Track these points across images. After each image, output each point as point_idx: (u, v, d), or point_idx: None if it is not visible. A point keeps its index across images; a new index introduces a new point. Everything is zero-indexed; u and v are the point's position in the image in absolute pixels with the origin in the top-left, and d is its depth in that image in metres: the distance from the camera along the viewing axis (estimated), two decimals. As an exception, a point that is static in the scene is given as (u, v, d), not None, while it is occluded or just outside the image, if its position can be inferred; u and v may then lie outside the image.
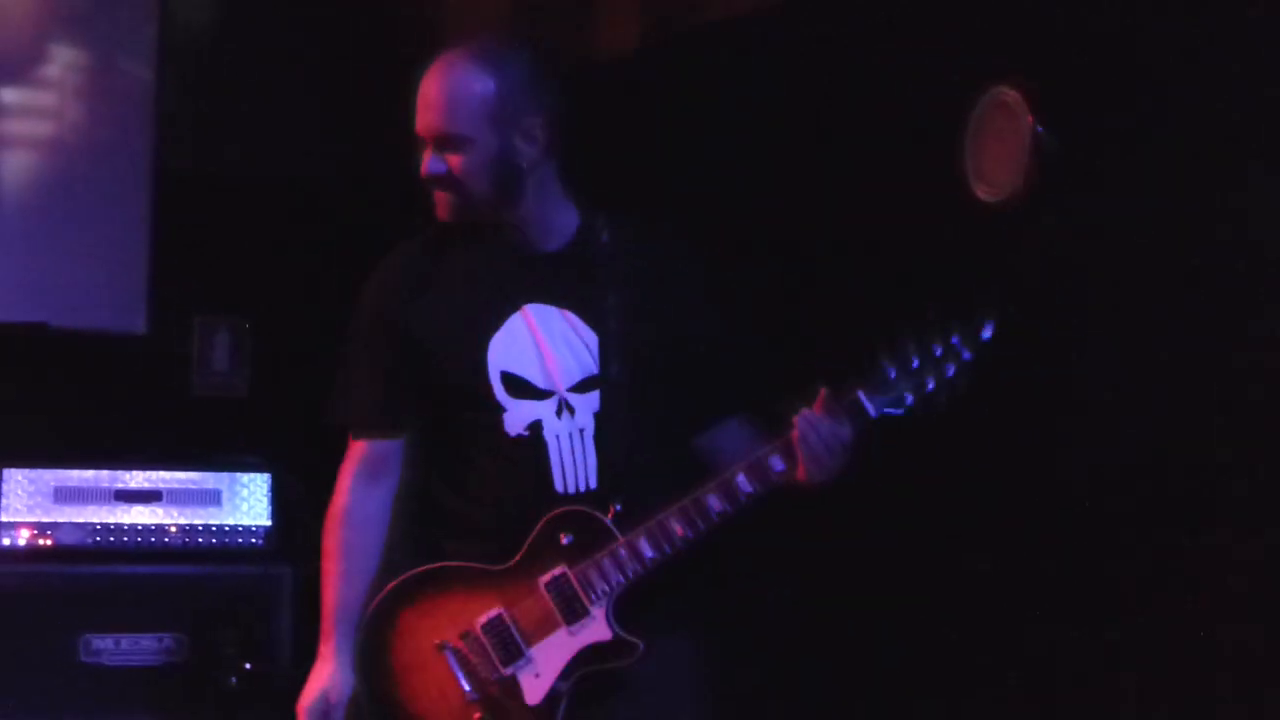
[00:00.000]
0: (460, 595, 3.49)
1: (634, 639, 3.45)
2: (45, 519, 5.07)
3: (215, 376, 5.84)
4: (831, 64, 4.33)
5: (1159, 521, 3.52)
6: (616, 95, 4.86)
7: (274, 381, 5.82)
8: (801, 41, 4.41)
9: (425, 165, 3.49)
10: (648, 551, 3.42)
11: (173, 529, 5.15)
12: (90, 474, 5.13)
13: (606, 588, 3.44)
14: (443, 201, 3.51)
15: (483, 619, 3.46)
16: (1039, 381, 3.71)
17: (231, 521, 5.21)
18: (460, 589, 3.50)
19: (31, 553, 5.04)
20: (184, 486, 5.19)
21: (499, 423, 3.51)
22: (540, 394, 3.51)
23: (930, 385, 3.35)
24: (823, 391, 3.38)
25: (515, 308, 3.53)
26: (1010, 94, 3.75)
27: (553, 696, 3.45)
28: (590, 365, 3.52)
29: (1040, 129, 3.69)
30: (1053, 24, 3.71)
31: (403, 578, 3.55)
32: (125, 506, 5.14)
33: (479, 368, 3.51)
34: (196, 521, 5.18)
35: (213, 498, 5.20)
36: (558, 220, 3.57)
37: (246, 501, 5.24)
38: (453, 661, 3.46)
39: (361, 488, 3.64)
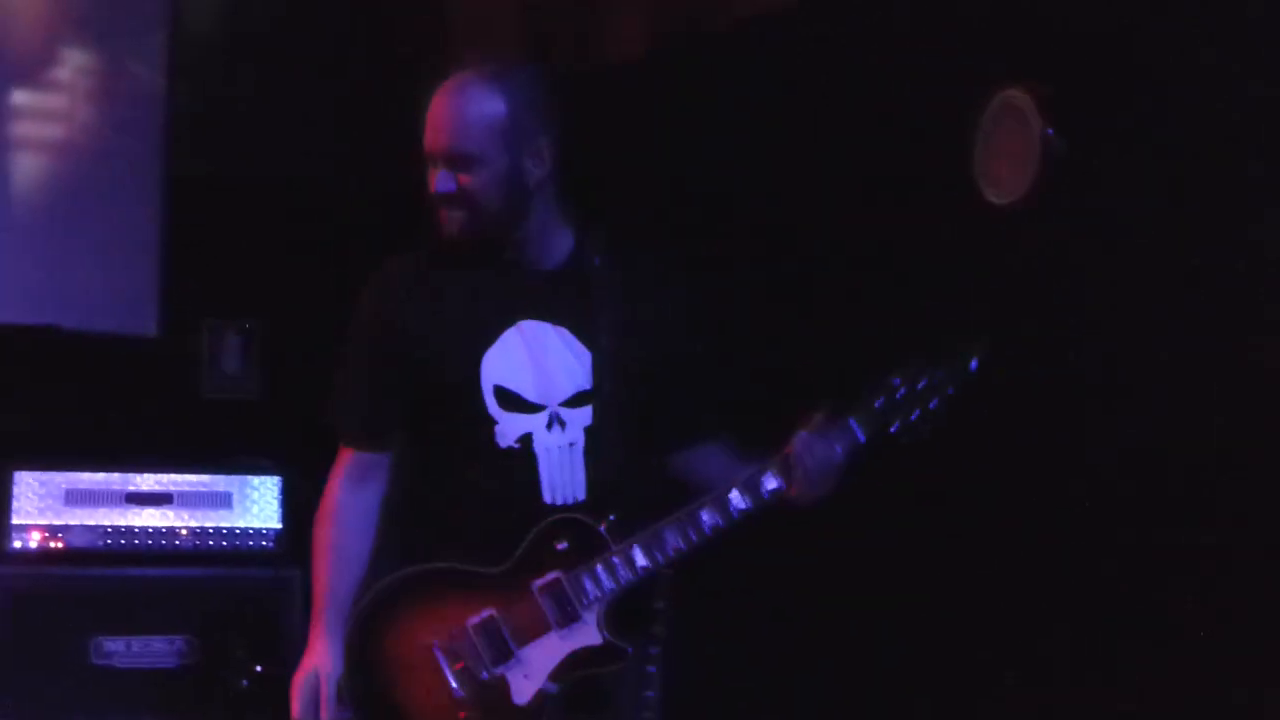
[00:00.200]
0: (453, 596, 3.56)
1: (623, 645, 3.54)
2: (56, 521, 5.11)
3: (226, 379, 5.88)
4: (833, 72, 4.39)
5: (1159, 521, 3.56)
6: (624, 102, 4.91)
7: (285, 384, 5.84)
8: (801, 53, 4.47)
9: (435, 183, 3.57)
10: (641, 560, 3.52)
11: (183, 531, 5.21)
12: (101, 477, 5.17)
13: (599, 594, 3.53)
14: (451, 219, 3.59)
15: (475, 619, 3.53)
16: (1039, 381, 3.76)
17: (242, 524, 5.27)
18: (454, 590, 3.56)
19: (43, 555, 5.08)
20: (195, 489, 5.24)
21: (490, 434, 3.59)
22: (532, 408, 3.60)
23: (914, 416, 3.51)
24: (817, 414, 3.52)
25: (510, 323, 3.61)
26: (1021, 97, 3.80)
27: (540, 698, 3.53)
28: (582, 381, 3.61)
29: (1050, 132, 3.75)
30: (1051, 25, 3.75)
31: (396, 576, 3.62)
32: (136, 509, 5.18)
33: (472, 380, 3.59)
34: (207, 524, 5.23)
35: (223, 500, 5.26)
36: (555, 240, 3.67)
37: (257, 504, 5.30)
38: (442, 660, 3.53)
39: (349, 490, 3.71)
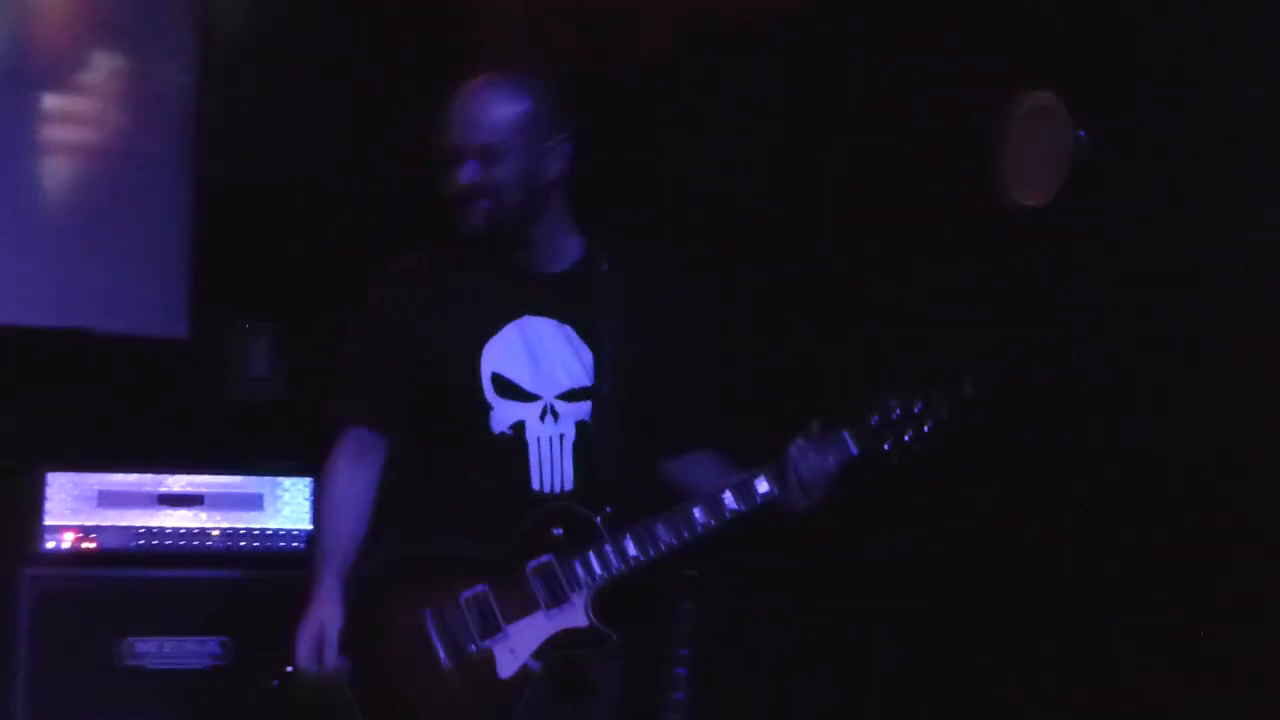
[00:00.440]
0: (450, 571, 3.76)
1: (607, 630, 3.72)
2: (89, 522, 5.15)
3: (256, 380, 5.94)
4: (834, 73, 4.47)
5: (1159, 521, 3.63)
6: (625, 102, 4.99)
7: (315, 385, 5.83)
8: (803, 55, 4.54)
9: (460, 175, 3.77)
10: (632, 551, 3.72)
11: (215, 532, 5.26)
12: (133, 478, 5.21)
13: (589, 579, 3.72)
14: (474, 212, 3.79)
15: (468, 593, 3.73)
16: (1039, 381, 3.82)
17: (273, 525, 5.32)
18: (451, 566, 3.77)
19: (76, 556, 5.12)
20: (226, 490, 5.29)
21: (485, 420, 3.78)
22: (527, 397, 3.79)
23: (908, 436, 3.67)
24: (814, 424, 3.68)
25: (514, 316, 3.82)
26: (1052, 99, 3.88)
27: (523, 673, 3.72)
28: (580, 378, 3.81)
29: (1082, 134, 3.82)
30: (1052, 26, 3.80)
31: (399, 549, 3.85)
32: (168, 510, 5.22)
33: (472, 367, 3.78)
34: (238, 525, 5.28)
35: (254, 501, 5.32)
36: (564, 244, 3.87)
37: (288, 505, 5.35)
38: (433, 629, 3.73)
39: (349, 461, 3.93)
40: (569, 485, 3.78)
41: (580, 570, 3.73)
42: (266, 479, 5.36)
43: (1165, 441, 3.62)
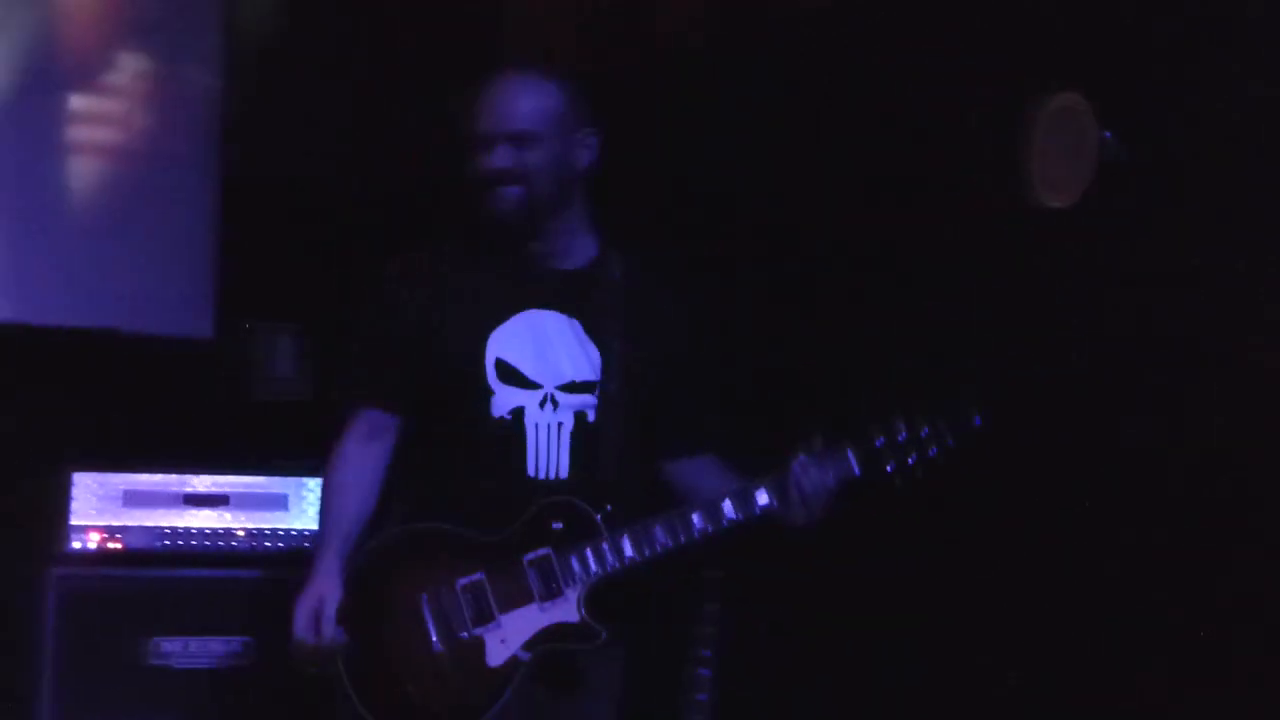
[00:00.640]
0: (449, 556, 3.88)
1: (598, 627, 3.83)
2: (115, 522, 5.20)
3: (281, 381, 6.01)
4: (835, 74, 4.53)
5: (1159, 521, 3.68)
6: (626, 103, 5.03)
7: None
8: (804, 55, 4.60)
9: (492, 160, 3.91)
10: (629, 551, 3.83)
11: (240, 533, 5.31)
12: (159, 478, 5.26)
13: (584, 575, 3.83)
14: (505, 197, 3.92)
15: (464, 580, 3.85)
16: (1040, 382, 3.87)
17: (298, 525, 5.36)
18: (450, 551, 3.89)
19: (101, 556, 5.17)
20: (251, 491, 5.35)
21: (486, 404, 3.91)
22: (529, 384, 3.91)
23: (912, 460, 3.76)
24: (818, 439, 3.79)
25: (522, 307, 3.95)
26: (1079, 100, 3.93)
27: (513, 663, 3.83)
28: (584, 372, 3.92)
29: (1108, 135, 3.87)
30: (1053, 27, 3.84)
31: (401, 529, 3.96)
32: (193, 510, 5.28)
33: (477, 352, 3.91)
34: (263, 525, 5.34)
35: (279, 502, 5.37)
36: (578, 244, 4.00)
37: (313, 506, 5.33)
38: (428, 613, 3.85)
39: (357, 446, 4.05)
40: (564, 474, 3.90)
41: (576, 566, 3.84)
42: (291, 479, 5.40)
43: (1165, 441, 3.67)
